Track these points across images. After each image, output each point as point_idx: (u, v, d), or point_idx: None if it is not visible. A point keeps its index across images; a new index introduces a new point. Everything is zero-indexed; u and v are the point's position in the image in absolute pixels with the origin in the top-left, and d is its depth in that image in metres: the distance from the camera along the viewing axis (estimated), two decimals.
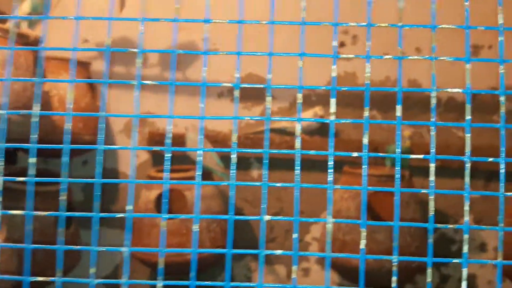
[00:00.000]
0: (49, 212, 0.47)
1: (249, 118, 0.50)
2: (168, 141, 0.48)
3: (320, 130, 1.71)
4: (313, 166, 1.71)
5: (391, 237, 1.37)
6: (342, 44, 1.74)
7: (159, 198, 1.44)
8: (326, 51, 1.64)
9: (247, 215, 1.72)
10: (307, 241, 1.74)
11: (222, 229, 1.48)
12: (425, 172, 1.63)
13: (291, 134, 1.72)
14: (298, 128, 0.50)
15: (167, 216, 0.49)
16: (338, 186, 0.51)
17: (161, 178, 1.43)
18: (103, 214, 0.49)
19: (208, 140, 1.57)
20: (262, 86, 0.52)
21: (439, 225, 0.48)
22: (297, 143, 0.50)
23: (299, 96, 0.49)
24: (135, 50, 0.49)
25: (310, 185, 0.51)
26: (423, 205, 1.51)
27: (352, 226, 1.38)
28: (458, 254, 1.68)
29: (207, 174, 1.50)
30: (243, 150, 0.50)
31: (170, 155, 0.49)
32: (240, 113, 1.73)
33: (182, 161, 1.58)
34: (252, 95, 1.75)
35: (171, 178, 1.43)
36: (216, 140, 1.68)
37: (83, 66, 1.57)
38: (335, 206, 1.48)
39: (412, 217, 1.42)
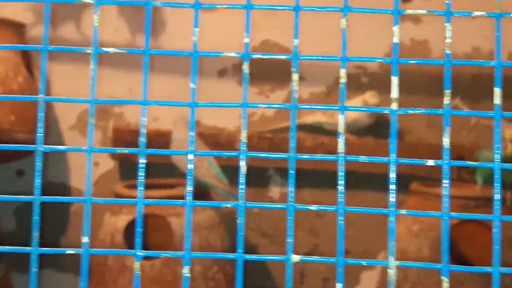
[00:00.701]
0: None
1: (266, 106, 0.49)
2: (142, 139, 0.48)
3: (373, 128, 1.70)
4: (363, 181, 1.70)
5: None
6: None
7: (130, 226, 1.45)
8: (383, 6, 1.62)
9: (263, 254, 1.72)
10: None
11: (227, 275, 1.48)
12: None
13: (330, 132, 1.71)
14: (340, 123, 0.49)
15: (142, 253, 0.49)
16: (404, 211, 0.50)
17: (133, 197, 1.44)
18: (47, 249, 0.49)
19: (205, 142, 1.57)
20: (285, 57, 0.51)
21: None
22: (340, 145, 0.49)
23: (343, 73, 0.48)
24: (90, 1, 0.49)
25: (361, 209, 0.50)
26: None
27: (427, 273, 1.37)
28: None
29: (203, 192, 1.50)
30: (258, 155, 0.49)
31: (144, 161, 0.49)
32: (252, 99, 1.73)
33: (166, 173, 1.59)
34: (271, 73, 1.75)
35: (149, 197, 1.43)
36: (217, 141, 1.68)
37: (15, 29, 1.59)
38: (398, 243, 1.46)
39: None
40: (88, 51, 0.51)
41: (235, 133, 1.71)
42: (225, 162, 1.55)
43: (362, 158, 0.51)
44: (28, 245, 0.54)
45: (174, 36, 1.75)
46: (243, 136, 0.50)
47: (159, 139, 1.64)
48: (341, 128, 0.49)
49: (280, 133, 1.72)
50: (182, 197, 1.52)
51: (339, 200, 0.50)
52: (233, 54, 0.50)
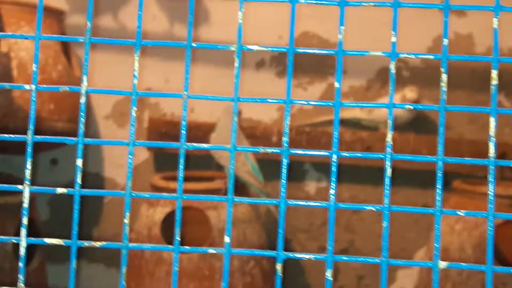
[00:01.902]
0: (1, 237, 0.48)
1: (315, 103, 0.49)
2: (183, 131, 0.48)
3: (414, 123, 1.68)
4: (404, 178, 1.68)
5: None
6: None
7: (167, 219, 1.45)
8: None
9: (301, 250, 1.71)
10: None
11: (263, 271, 1.47)
12: None
13: (369, 128, 1.70)
14: (388, 117, 0.49)
15: (181, 249, 0.49)
16: (449, 211, 0.49)
17: (170, 189, 1.44)
18: (86, 242, 0.49)
19: (244, 134, 1.57)
20: (327, 52, 0.50)
21: None
22: (388, 139, 0.48)
23: (392, 67, 0.47)
24: None
25: (406, 209, 0.49)
26: None
27: (469, 274, 1.35)
28: None
29: (240, 187, 1.50)
30: (299, 153, 0.49)
31: (184, 153, 0.49)
32: (292, 93, 1.72)
33: (203, 164, 1.59)
34: (309, 66, 1.74)
35: (187, 190, 1.44)
36: (253, 133, 1.68)
37: (56, 16, 1.60)
38: (440, 241, 1.45)
39: None
40: (131, 44, 0.50)
41: (272, 126, 1.71)
42: (261, 155, 1.55)
43: (409, 157, 0.50)
44: (63, 236, 0.54)
45: (214, 28, 1.74)
46: (285, 133, 0.50)
47: (196, 130, 1.65)
48: (388, 123, 0.48)
49: (318, 127, 1.71)
50: (220, 190, 1.52)
51: (385, 199, 0.49)
52: (279, 50, 0.50)
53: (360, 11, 1.33)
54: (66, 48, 1.60)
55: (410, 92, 1.64)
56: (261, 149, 0.51)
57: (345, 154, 0.49)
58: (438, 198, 0.48)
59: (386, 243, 0.49)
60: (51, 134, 1.42)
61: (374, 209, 0.49)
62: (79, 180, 0.48)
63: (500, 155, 1.58)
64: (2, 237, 0.48)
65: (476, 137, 1.68)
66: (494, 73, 0.48)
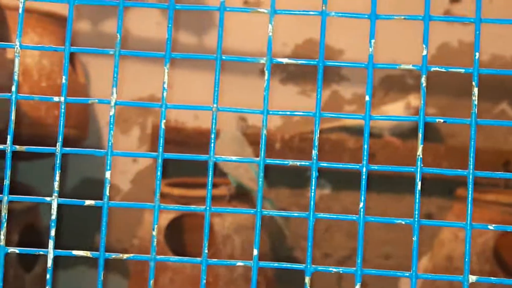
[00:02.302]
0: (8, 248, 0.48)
1: (344, 116, 0.49)
2: (212, 144, 0.48)
3: (417, 131, 1.68)
4: (406, 187, 1.68)
5: None
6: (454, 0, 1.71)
7: (171, 226, 1.45)
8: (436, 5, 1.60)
9: (301, 258, 1.71)
10: None
11: (267, 279, 1.47)
12: None
13: (373, 135, 1.70)
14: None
15: (209, 261, 0.49)
16: (481, 225, 0.49)
17: (173, 196, 1.44)
18: (114, 254, 0.49)
19: (248, 141, 1.57)
20: (356, 65, 0.51)
21: None
22: (419, 153, 0.48)
23: (423, 80, 0.47)
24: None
25: (433, 222, 0.49)
26: None
27: (473, 282, 1.35)
28: None
29: (244, 193, 1.49)
30: (332, 165, 0.49)
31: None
32: (295, 100, 1.72)
33: (206, 171, 1.59)
34: (312, 73, 1.73)
35: (191, 196, 1.44)
36: (257, 140, 1.68)
37: (60, 22, 1.59)
38: (443, 249, 1.45)
39: None
40: (160, 56, 0.50)
41: (275, 133, 1.70)
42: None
43: (439, 171, 0.50)
44: (66, 243, 0.54)
45: (213, 33, 1.74)
46: (315, 146, 0.50)
47: (200, 137, 1.64)
48: (390, 132, 0.48)
49: (322, 134, 1.71)
50: (224, 197, 1.51)
51: (416, 213, 0.49)
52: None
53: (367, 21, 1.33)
54: (71, 55, 1.59)
55: (414, 100, 1.65)
56: (290, 162, 0.51)
57: (374, 167, 0.49)
58: (469, 211, 0.48)
59: (416, 257, 0.49)
60: (56, 140, 1.41)
61: (404, 222, 0.49)
62: (107, 192, 0.47)
63: (504, 163, 1.59)
64: (27, 248, 0.48)
65: (479, 144, 1.69)
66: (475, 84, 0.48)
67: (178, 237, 1.51)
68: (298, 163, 0.51)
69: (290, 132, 1.70)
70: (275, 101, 1.70)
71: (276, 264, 0.49)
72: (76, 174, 1.74)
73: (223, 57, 0.49)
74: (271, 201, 1.51)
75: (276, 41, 1.72)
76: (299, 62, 0.51)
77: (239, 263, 0.49)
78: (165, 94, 0.49)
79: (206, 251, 0.47)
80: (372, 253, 1.73)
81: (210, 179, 0.48)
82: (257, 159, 0.49)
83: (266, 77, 0.49)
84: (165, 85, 0.49)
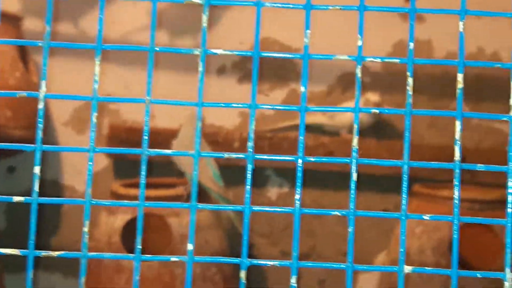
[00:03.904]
0: None
1: (280, 108, 0.48)
2: (145, 137, 0.47)
3: (375, 129, 1.69)
4: (366, 183, 1.68)
5: None
6: None
7: (127, 227, 1.43)
8: (388, 4, 1.61)
9: (262, 254, 1.70)
10: None
11: (225, 277, 1.46)
12: None
13: (331, 133, 1.70)
14: (350, 123, 0.48)
15: (142, 257, 0.47)
16: (416, 215, 0.48)
17: (130, 196, 1.42)
18: (40, 251, 0.47)
19: (206, 140, 1.55)
20: (293, 56, 0.50)
21: None
22: (354, 144, 0.48)
23: (358, 71, 0.47)
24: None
25: (372, 213, 0.49)
26: None
27: (428, 278, 1.36)
28: None
29: (202, 193, 1.48)
30: (264, 158, 0.48)
31: (145, 158, 0.48)
32: (250, 98, 1.71)
33: (164, 170, 1.57)
34: (270, 72, 1.73)
35: (148, 197, 1.42)
36: (216, 139, 1.67)
37: (11, 21, 1.57)
38: (399, 244, 1.45)
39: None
40: (91, 48, 0.49)
41: (233, 132, 1.70)
42: (223, 161, 1.54)
43: (374, 161, 0.50)
44: (20, 245, 0.53)
45: (175, 31, 1.73)
46: (250, 138, 0.49)
47: (157, 136, 1.62)
48: (353, 128, 0.48)
49: (280, 133, 1.70)
50: (181, 196, 1.50)
51: (351, 203, 0.49)
52: (244, 54, 0.49)
53: (325, 16, 1.33)
54: (23, 54, 1.57)
55: (373, 96, 1.65)
56: (226, 155, 0.49)
57: (310, 159, 0.48)
58: (403, 202, 0.48)
59: (352, 248, 0.48)
60: (9, 141, 1.38)
61: (339, 214, 0.48)
62: (36, 188, 0.46)
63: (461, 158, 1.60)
64: None
65: (435, 141, 1.70)
66: (460, 77, 0.48)
67: (135, 237, 1.49)
68: (234, 155, 0.50)
69: (248, 131, 1.69)
70: (233, 99, 1.69)
71: (211, 259, 0.48)
72: (31, 176, 1.71)
73: (157, 49, 0.48)
74: (229, 200, 1.50)
75: (234, 40, 1.72)
76: (235, 53, 0.50)
77: (173, 258, 0.47)
78: (96, 86, 0.48)
79: (140, 246, 0.46)
80: (330, 250, 1.73)
81: (143, 173, 0.47)
82: (192, 152, 0.48)
83: (200, 68, 0.48)
84: (96, 78, 0.48)
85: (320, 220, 1.73)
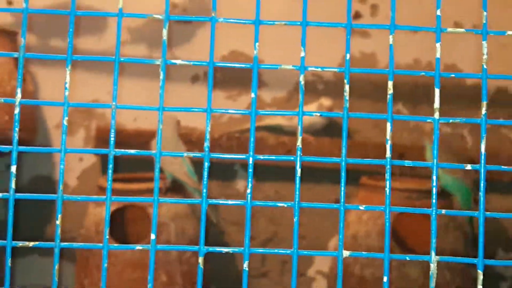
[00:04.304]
0: None
1: (232, 112, 0.46)
2: (112, 138, 0.45)
3: (328, 129, 1.68)
4: (320, 176, 1.68)
5: (427, 272, 1.35)
6: (357, 15, 1.72)
7: (114, 216, 1.41)
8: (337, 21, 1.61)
9: (233, 241, 1.69)
10: (310, 276, 1.71)
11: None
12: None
13: (290, 133, 1.69)
14: (309, 124, 0.47)
15: (110, 246, 0.45)
16: (352, 206, 0.47)
17: (117, 190, 1.40)
18: (18, 242, 0.45)
19: (182, 140, 1.53)
20: (244, 66, 0.48)
21: (491, 261, 0.45)
22: (298, 144, 0.46)
23: (301, 79, 0.45)
24: (64, 12, 0.45)
25: (314, 205, 0.47)
26: (465, 230, 1.49)
27: (371, 260, 1.36)
28: None
29: (179, 186, 1.46)
30: (219, 156, 0.46)
31: (114, 157, 0.46)
32: (222, 104, 1.69)
33: (146, 168, 1.55)
34: (238, 79, 1.72)
35: (131, 190, 1.39)
36: (190, 139, 1.65)
37: (8, 36, 1.54)
38: (350, 229, 1.45)
39: (453, 247, 1.39)
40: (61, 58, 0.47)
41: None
42: (197, 158, 1.52)
43: (316, 159, 0.48)
44: (21, 236, 0.51)
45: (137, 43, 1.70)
46: (207, 138, 0.47)
47: (138, 137, 1.60)
48: (299, 129, 0.46)
49: (247, 133, 1.69)
50: (160, 189, 1.47)
51: (296, 196, 0.47)
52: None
53: (283, 31, 1.32)
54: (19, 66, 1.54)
55: (326, 101, 1.64)
56: (185, 154, 0.48)
57: (260, 157, 0.47)
58: (342, 194, 0.47)
59: (297, 236, 0.47)
60: (7, 143, 1.36)
61: (285, 205, 0.47)
62: (13, 185, 0.44)
63: (399, 155, 1.60)
64: None
65: (379, 139, 1.70)
66: (390, 84, 0.47)
67: (120, 227, 1.47)
68: (191, 154, 0.48)
69: (219, 132, 1.68)
70: (205, 104, 1.67)
71: (171, 247, 0.46)
72: (28, 172, 1.68)
73: (121, 59, 0.46)
74: (199, 192, 1.48)
75: (206, 52, 1.69)
76: (191, 63, 0.48)
77: (138, 247, 0.45)
78: (67, 93, 0.46)
79: (108, 236, 0.44)
80: (291, 236, 1.72)
81: (110, 171, 0.45)
82: (154, 151, 0.46)
83: (161, 76, 0.46)
84: (67, 85, 0.46)
85: (281, 209, 1.72)
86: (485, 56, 0.46)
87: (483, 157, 0.45)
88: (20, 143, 0.47)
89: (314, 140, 1.66)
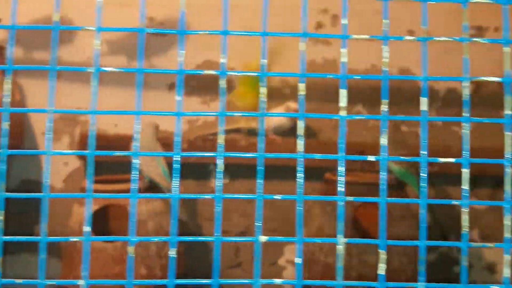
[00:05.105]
0: None
1: (201, 114, 0.48)
2: (91, 141, 0.46)
3: (294, 130, 1.70)
4: (286, 173, 1.70)
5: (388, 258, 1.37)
6: (319, 26, 1.74)
7: (96, 215, 1.41)
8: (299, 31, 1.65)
9: (209, 234, 1.70)
10: (281, 265, 1.73)
11: (178, 254, 1.45)
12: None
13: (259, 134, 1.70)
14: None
15: (92, 238, 0.46)
16: (309, 197, 0.49)
17: (98, 191, 1.40)
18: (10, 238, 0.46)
19: (161, 143, 1.54)
20: (214, 72, 0.50)
21: (432, 242, 0.47)
22: (260, 144, 0.48)
23: (263, 89, 0.47)
24: (49, 27, 0.46)
25: (273, 196, 0.49)
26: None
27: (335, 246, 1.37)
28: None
29: (154, 186, 1.47)
30: (187, 154, 0.48)
31: (98, 159, 0.47)
32: (198, 108, 1.71)
33: (127, 170, 1.55)
34: (213, 87, 1.73)
35: (112, 190, 1.40)
36: (167, 142, 1.65)
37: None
38: (315, 221, 1.47)
39: (408, 234, 1.42)
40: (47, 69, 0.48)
41: (182, 135, 1.69)
42: (171, 160, 1.53)
43: (277, 155, 0.50)
44: (13, 232, 0.51)
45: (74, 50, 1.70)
46: (177, 139, 0.49)
47: (120, 141, 1.60)
48: (261, 130, 0.48)
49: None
50: (138, 189, 1.47)
51: (258, 188, 0.49)
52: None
53: (251, 40, 1.34)
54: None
55: (292, 104, 1.66)
56: (157, 153, 0.49)
57: (229, 154, 0.49)
58: (299, 188, 0.48)
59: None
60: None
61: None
62: (3, 186, 0.44)
63: (360, 152, 1.63)
64: None
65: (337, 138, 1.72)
66: (342, 92, 0.49)
67: (103, 225, 1.47)
68: (164, 154, 0.49)
69: (194, 134, 1.69)
70: (184, 110, 1.68)
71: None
72: (17, 176, 1.67)
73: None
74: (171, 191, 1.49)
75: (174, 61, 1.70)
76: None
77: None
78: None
79: (88, 229, 0.45)
80: (263, 228, 1.73)
81: (91, 171, 0.46)
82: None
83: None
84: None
85: (253, 205, 1.73)
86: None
87: (424, 149, 0.47)
88: (9, 148, 0.48)
89: (282, 140, 1.68)
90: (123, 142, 1.57)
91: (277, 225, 1.70)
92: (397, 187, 1.47)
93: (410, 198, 1.51)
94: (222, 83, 0.50)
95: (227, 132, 1.71)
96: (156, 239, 0.48)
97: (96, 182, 1.48)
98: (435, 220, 1.65)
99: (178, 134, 0.48)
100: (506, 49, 0.50)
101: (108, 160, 1.54)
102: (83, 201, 1.43)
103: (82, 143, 1.64)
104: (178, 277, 0.47)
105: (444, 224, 1.71)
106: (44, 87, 1.65)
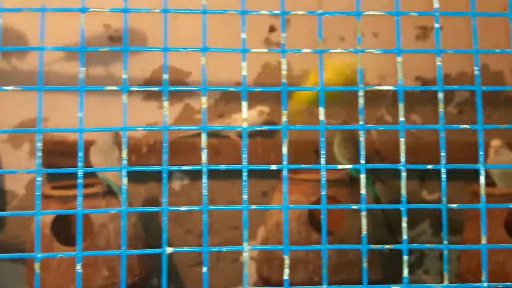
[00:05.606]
0: None
1: (142, 129, 0.46)
2: (39, 155, 0.44)
3: (262, 131, 1.69)
4: (254, 173, 1.69)
5: (343, 253, 1.38)
6: (272, 29, 1.74)
7: (56, 221, 1.37)
8: (254, 37, 1.64)
9: (170, 238, 1.68)
10: (242, 262, 1.72)
11: (139, 257, 1.43)
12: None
13: (224, 136, 1.69)
14: (202, 134, 0.47)
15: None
16: (253, 207, 0.48)
17: (55, 196, 1.37)
18: None
19: (119, 148, 1.51)
20: (157, 89, 0.49)
21: (372, 246, 0.47)
22: (203, 156, 0.47)
23: (204, 99, 0.46)
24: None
25: (218, 207, 0.48)
26: (376, 214, 1.54)
27: (292, 242, 1.37)
28: (411, 277, 1.72)
29: (112, 192, 1.44)
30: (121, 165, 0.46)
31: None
32: (156, 112, 1.68)
33: (88, 175, 1.52)
34: (171, 91, 1.70)
35: (71, 196, 1.36)
36: (128, 147, 1.62)
37: None
38: (274, 218, 1.47)
39: (369, 231, 1.44)
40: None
41: (142, 140, 1.66)
42: (130, 162, 1.50)
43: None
44: None
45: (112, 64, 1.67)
46: (124, 154, 0.47)
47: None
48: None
49: (188, 139, 1.68)
50: (98, 194, 1.43)
51: (204, 198, 0.48)
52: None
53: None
54: None
55: (265, 108, 1.65)
56: (105, 169, 0.48)
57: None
58: (244, 196, 0.47)
59: (206, 231, 0.48)
60: None
61: (195, 209, 0.47)
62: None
63: (314, 150, 1.63)
64: None
65: (296, 138, 1.72)
66: (285, 98, 0.48)
67: (63, 229, 1.44)
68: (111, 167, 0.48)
69: (154, 139, 1.66)
70: (139, 114, 1.67)
71: (100, 252, 0.46)
72: None
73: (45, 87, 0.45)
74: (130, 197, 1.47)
75: (135, 70, 1.67)
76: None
77: (61, 255, 0.45)
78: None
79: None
80: (224, 225, 1.72)
81: (39, 180, 0.43)
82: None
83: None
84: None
85: (215, 203, 1.72)
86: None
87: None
88: None
89: (250, 141, 1.66)
90: (85, 147, 1.53)
91: (238, 222, 1.69)
92: (352, 182, 1.48)
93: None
94: (165, 99, 0.49)
95: (192, 136, 1.69)
96: (106, 253, 0.46)
97: (57, 188, 1.44)
98: (385, 216, 1.67)
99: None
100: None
101: (70, 165, 1.50)
102: (44, 206, 1.39)
103: (44, 149, 1.60)
104: (137, 280, 0.45)
105: (392, 217, 1.74)
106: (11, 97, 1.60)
